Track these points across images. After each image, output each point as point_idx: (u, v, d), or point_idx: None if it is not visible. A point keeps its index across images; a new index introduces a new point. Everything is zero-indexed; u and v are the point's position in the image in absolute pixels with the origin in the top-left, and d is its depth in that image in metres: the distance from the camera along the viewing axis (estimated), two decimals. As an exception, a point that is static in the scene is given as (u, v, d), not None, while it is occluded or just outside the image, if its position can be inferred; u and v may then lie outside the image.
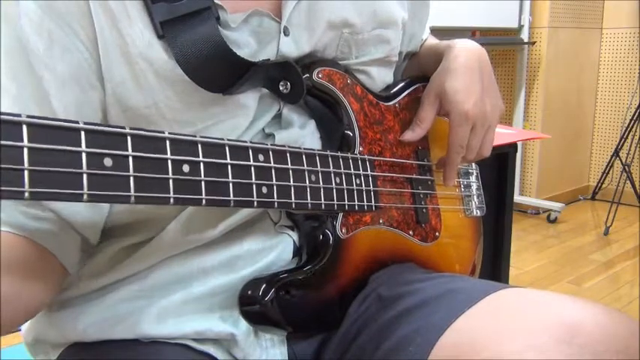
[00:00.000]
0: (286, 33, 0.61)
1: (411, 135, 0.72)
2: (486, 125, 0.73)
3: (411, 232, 0.72)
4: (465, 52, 0.74)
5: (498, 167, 1.62)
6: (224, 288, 0.61)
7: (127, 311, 0.59)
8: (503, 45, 3.46)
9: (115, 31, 0.53)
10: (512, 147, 1.65)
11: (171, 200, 0.45)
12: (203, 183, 0.47)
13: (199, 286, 0.60)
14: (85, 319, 0.60)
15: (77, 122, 0.40)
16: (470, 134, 0.72)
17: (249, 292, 0.58)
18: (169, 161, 0.45)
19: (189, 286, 0.60)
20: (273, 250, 0.63)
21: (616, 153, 3.34)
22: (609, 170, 3.46)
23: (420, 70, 0.83)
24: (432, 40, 0.86)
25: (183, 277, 0.60)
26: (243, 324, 0.61)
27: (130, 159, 0.43)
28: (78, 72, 0.53)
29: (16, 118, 0.37)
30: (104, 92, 0.55)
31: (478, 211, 0.87)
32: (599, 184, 3.58)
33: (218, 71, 0.55)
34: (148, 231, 0.60)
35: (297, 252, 0.64)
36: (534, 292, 0.56)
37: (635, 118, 3.28)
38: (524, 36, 3.30)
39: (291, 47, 0.62)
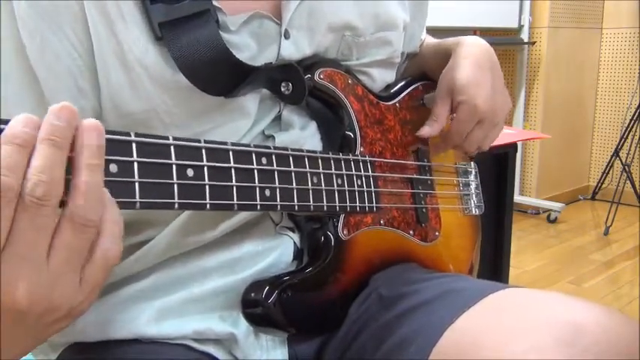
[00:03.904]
0: (287, 36, 0.61)
1: (428, 130, 0.73)
2: (495, 122, 0.74)
3: (411, 232, 0.72)
4: (475, 48, 0.74)
5: (498, 167, 1.63)
6: (224, 289, 0.61)
7: (127, 311, 0.59)
8: (503, 45, 3.46)
9: (112, 37, 0.53)
10: (512, 147, 1.65)
11: (176, 205, 0.45)
12: (207, 187, 0.48)
13: (199, 287, 0.60)
14: (84, 318, 0.60)
15: None
16: (476, 127, 0.72)
17: (252, 295, 0.58)
18: (174, 166, 0.45)
19: (189, 287, 0.60)
20: (274, 252, 0.62)
21: (616, 153, 3.34)
22: (609, 170, 3.46)
23: (421, 69, 0.83)
24: (432, 40, 0.86)
25: (183, 278, 0.60)
26: (243, 324, 0.61)
27: (135, 164, 0.43)
28: (68, 79, 0.53)
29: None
30: (97, 99, 0.55)
31: (477, 209, 0.87)
32: (599, 184, 3.58)
33: (219, 75, 0.55)
34: (149, 231, 0.60)
35: (297, 254, 0.64)
36: (536, 292, 0.56)
37: (635, 118, 3.28)
38: (524, 36, 3.30)
39: (292, 50, 0.61)
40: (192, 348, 0.60)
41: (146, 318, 0.59)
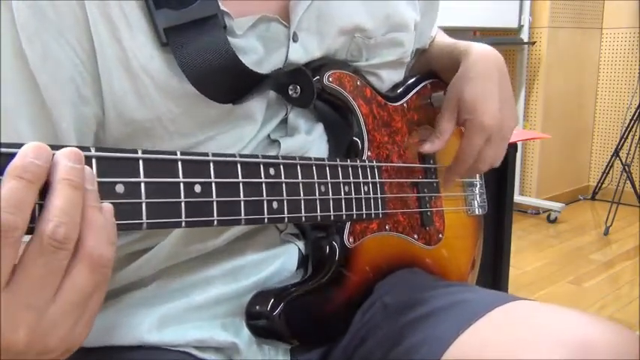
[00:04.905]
0: (295, 39, 0.59)
1: (429, 147, 0.71)
2: (502, 137, 0.72)
3: (415, 236, 0.72)
4: (484, 58, 0.73)
5: (498, 167, 1.62)
6: (226, 297, 0.60)
7: (129, 318, 0.59)
8: (503, 45, 3.45)
9: (116, 43, 0.51)
10: (513, 147, 1.65)
11: (183, 224, 0.45)
12: (215, 203, 0.47)
13: (202, 295, 0.59)
14: None
15: (89, 148, 0.39)
16: (485, 146, 0.71)
17: (257, 307, 0.57)
18: (181, 183, 0.45)
19: (191, 295, 0.59)
20: (278, 260, 0.62)
21: (616, 153, 3.34)
22: (609, 170, 3.46)
23: (429, 67, 0.81)
24: (443, 38, 0.84)
25: (185, 286, 0.60)
26: (246, 332, 0.60)
27: (142, 185, 0.42)
28: (70, 86, 0.52)
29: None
30: (100, 107, 0.54)
31: (480, 209, 0.86)
32: (599, 184, 3.58)
33: (227, 82, 0.54)
34: (151, 239, 0.59)
35: (302, 261, 0.63)
36: (542, 306, 0.56)
37: (635, 118, 3.27)
38: (524, 36, 3.30)
39: (301, 54, 0.60)
40: (193, 355, 0.60)
41: (148, 325, 0.58)
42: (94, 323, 0.58)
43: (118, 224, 0.39)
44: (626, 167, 3.21)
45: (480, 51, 0.74)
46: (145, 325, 0.58)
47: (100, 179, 0.39)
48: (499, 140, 0.72)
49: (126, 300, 0.60)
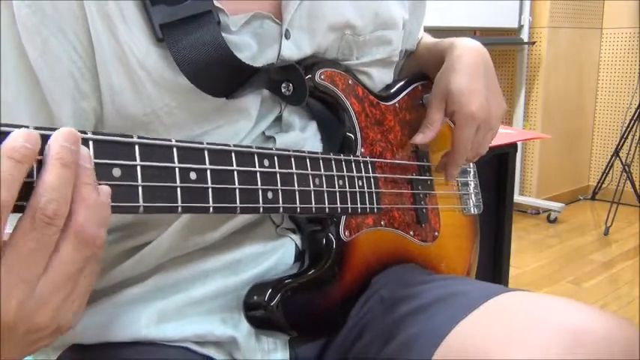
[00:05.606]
0: (287, 36, 0.61)
1: (421, 137, 0.72)
2: (490, 126, 0.73)
3: (411, 233, 0.72)
4: (469, 51, 0.74)
5: (498, 167, 1.62)
6: (225, 291, 0.60)
7: (128, 314, 0.59)
8: (503, 45, 3.45)
9: (113, 40, 0.52)
10: (512, 147, 1.65)
11: (180, 209, 0.45)
12: (210, 190, 0.48)
13: (200, 289, 0.60)
14: (84, 320, 0.59)
15: (85, 132, 0.40)
16: (475, 135, 0.72)
17: (255, 298, 0.58)
18: (177, 169, 0.45)
19: (190, 289, 0.60)
20: (275, 254, 0.62)
21: (616, 153, 3.34)
22: (609, 170, 3.46)
23: (418, 68, 0.82)
24: (429, 39, 0.86)
25: (184, 280, 0.60)
26: (245, 327, 0.61)
27: (139, 168, 0.42)
28: (68, 81, 0.53)
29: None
30: (98, 101, 0.55)
31: (475, 209, 0.87)
32: (599, 184, 3.58)
33: (221, 76, 0.55)
34: (149, 234, 0.60)
35: (298, 255, 0.64)
36: (538, 296, 0.56)
37: (635, 118, 3.27)
38: (524, 36, 3.30)
39: (293, 50, 0.61)
40: (192, 350, 0.60)
41: (146, 320, 0.59)
42: (92, 320, 0.59)
43: (115, 206, 0.40)
44: (626, 167, 3.21)
45: (465, 44, 0.75)
46: (144, 321, 0.59)
47: (97, 160, 0.40)
48: (487, 129, 0.73)
49: (124, 296, 0.60)
